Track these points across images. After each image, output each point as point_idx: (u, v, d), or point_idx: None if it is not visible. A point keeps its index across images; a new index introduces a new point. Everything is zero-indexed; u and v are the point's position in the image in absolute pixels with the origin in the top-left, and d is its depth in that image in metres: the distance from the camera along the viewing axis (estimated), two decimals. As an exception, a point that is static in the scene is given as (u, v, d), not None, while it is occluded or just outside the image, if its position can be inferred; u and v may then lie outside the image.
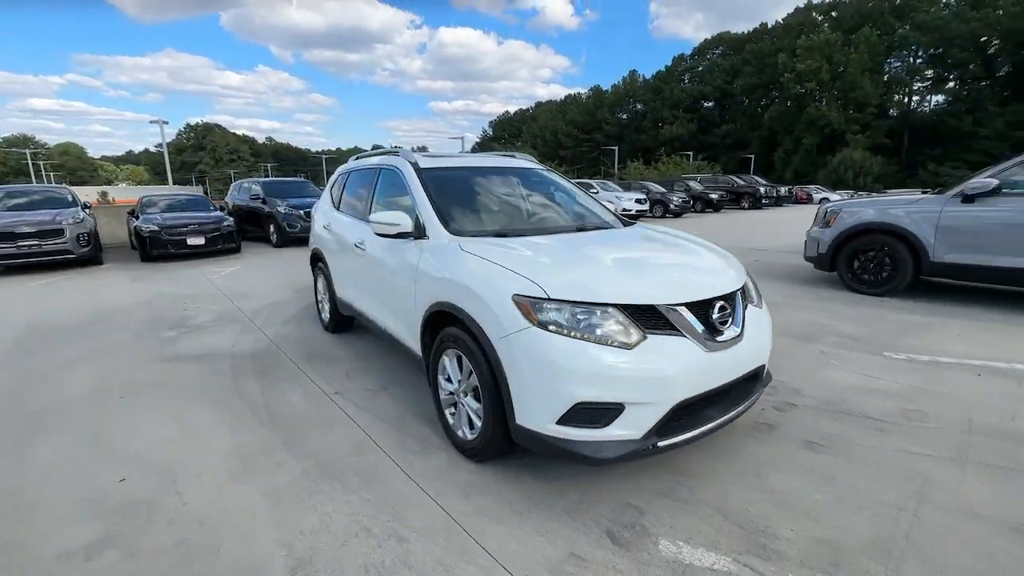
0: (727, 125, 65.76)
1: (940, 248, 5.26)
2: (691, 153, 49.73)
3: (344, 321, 4.54)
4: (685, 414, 2.09)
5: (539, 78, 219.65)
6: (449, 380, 2.59)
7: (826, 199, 31.77)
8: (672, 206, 19.52)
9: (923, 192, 6.52)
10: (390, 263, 3.13)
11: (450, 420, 2.63)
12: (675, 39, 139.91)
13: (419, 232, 2.88)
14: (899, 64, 53.86)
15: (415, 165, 3.32)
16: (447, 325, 2.54)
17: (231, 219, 10.42)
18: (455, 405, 2.60)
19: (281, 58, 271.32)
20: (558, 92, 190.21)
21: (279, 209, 11.14)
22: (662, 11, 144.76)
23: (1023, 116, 44.35)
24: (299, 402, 3.23)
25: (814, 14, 59.56)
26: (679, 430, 2.08)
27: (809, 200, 29.41)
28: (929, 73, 52.27)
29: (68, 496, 2.27)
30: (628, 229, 3.22)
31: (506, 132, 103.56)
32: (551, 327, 2.00)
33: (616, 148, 42.94)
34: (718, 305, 2.20)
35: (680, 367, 2.03)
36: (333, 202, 4.53)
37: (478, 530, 1.99)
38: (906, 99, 54.68)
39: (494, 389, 2.19)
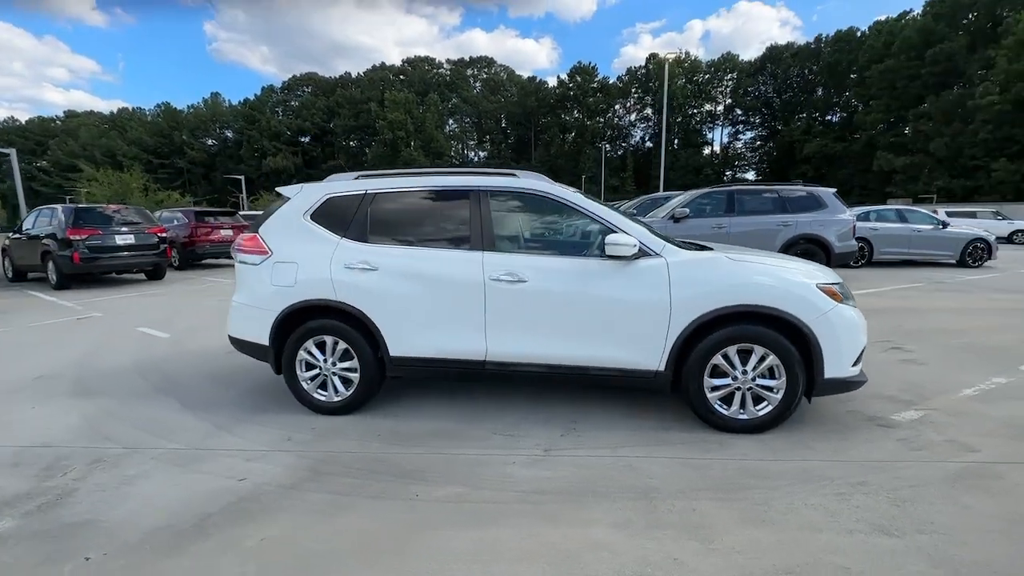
0: (333, 161, 68.82)
1: (668, 250, 8.54)
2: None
3: (375, 388, 3.40)
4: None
5: (51, 79, 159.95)
6: (725, 376, 2.96)
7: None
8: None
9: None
10: (611, 289, 3.00)
11: (724, 412, 2.99)
12: (241, 66, 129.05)
13: (640, 252, 3.00)
14: (456, 126, 70.81)
15: (562, 189, 3.23)
16: (726, 326, 2.91)
17: None
18: (730, 396, 2.99)
19: None
20: (85, 100, 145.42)
21: None
22: (220, 34, 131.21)
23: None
24: (541, 473, 2.60)
25: (390, 75, 70.39)
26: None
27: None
28: (475, 135, 71.09)
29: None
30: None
31: (19, 147, 72.61)
32: (843, 301, 2.92)
33: (243, 178, 37.88)
34: None
35: None
36: (346, 233, 3.31)
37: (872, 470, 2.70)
38: (466, 152, 72.37)
39: (799, 360, 2.87)
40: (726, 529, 2.12)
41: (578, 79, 67.36)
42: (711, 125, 68.47)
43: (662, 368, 3.00)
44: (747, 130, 67.56)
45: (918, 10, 41.12)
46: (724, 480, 2.51)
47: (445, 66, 73.37)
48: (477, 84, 72.90)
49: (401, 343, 3.23)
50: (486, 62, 74.32)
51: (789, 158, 56.49)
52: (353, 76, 73.09)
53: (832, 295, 2.90)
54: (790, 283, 2.90)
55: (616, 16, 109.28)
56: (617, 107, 68.77)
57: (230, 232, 12.93)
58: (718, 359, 2.95)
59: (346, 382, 3.37)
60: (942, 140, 35.23)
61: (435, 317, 3.20)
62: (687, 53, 65.95)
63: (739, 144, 68.18)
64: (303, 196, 3.49)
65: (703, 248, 3.33)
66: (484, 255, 3.15)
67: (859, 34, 50.43)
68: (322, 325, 3.30)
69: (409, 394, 3.75)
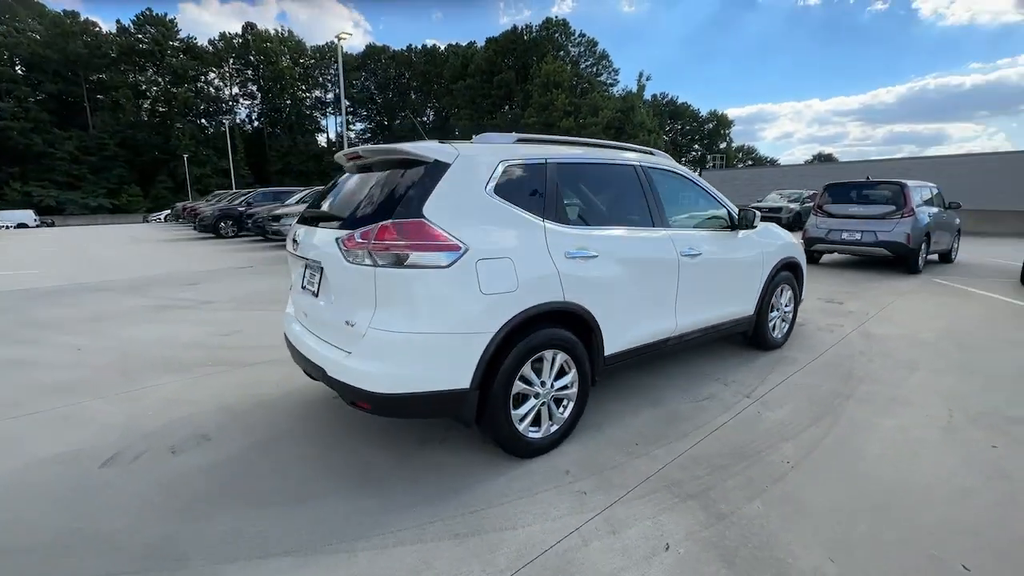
0: None
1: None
2: None
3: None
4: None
5: None
6: (775, 310, 4.12)
7: None
8: None
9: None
10: (737, 254, 3.57)
11: (775, 336, 4.16)
12: None
13: (750, 222, 3.75)
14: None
15: (683, 168, 3.54)
16: (781, 273, 4.05)
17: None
18: (776, 324, 4.17)
19: None
20: None
21: None
22: None
23: (87, 142, 48.94)
24: (786, 408, 3.06)
25: None
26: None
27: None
28: (-34, 79, 45.63)
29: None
30: None
31: None
32: (800, 249, 4.57)
33: None
34: None
35: None
36: (545, 213, 2.52)
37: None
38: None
39: (799, 288, 4.36)
40: (922, 397, 3.28)
41: (150, 31, 53.26)
42: (323, 112, 68.27)
43: (753, 312, 3.88)
44: (357, 121, 71.00)
45: (481, 43, 53.56)
46: (845, 376, 3.66)
47: None
48: (-49, -2, 46.47)
49: (615, 339, 2.81)
50: (-35, -33, 48.09)
51: (400, 151, 63.27)
52: None
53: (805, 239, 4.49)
54: (794, 241, 4.31)
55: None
56: (213, 76, 58.72)
57: None
58: (774, 299, 4.07)
59: (557, 404, 2.64)
60: (509, 146, 47.83)
61: (644, 302, 2.96)
62: (290, 32, 62.74)
63: (352, 134, 70.94)
64: (471, 163, 2.37)
65: None
66: (667, 232, 3.13)
67: (441, 51, 61.04)
68: (549, 337, 2.45)
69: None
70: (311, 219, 2.75)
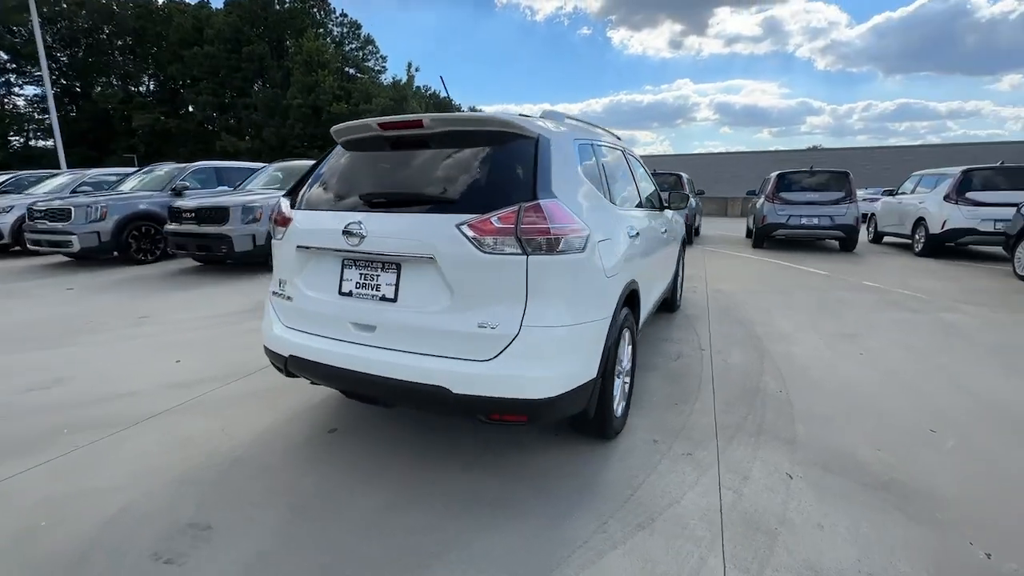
0: None
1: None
2: None
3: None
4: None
5: None
6: (678, 275, 4.94)
7: None
8: None
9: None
10: (672, 231, 4.11)
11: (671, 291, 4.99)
12: None
13: (665, 204, 4.36)
14: None
15: (633, 153, 3.91)
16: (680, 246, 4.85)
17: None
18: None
19: None
20: None
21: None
22: None
23: None
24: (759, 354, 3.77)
25: None
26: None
27: None
28: None
29: None
30: None
31: None
32: (676, 226, 5.53)
33: None
34: None
35: None
36: (609, 195, 2.55)
37: (704, 298, 5.55)
38: None
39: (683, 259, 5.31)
40: (795, 329, 4.38)
41: None
42: (-38, 67, 47.51)
43: (672, 278, 4.59)
44: (27, 84, 51.81)
45: (218, 5, 45.15)
46: (739, 323, 4.64)
47: None
48: None
49: (643, 312, 3.03)
50: None
51: (107, 128, 48.95)
52: None
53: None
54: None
55: None
56: None
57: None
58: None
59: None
60: (271, 130, 42.12)
61: (654, 275, 3.27)
62: None
63: (21, 101, 51.42)
64: (563, 141, 2.23)
65: None
66: (649, 211, 3.45)
67: (160, 6, 49.10)
68: (625, 316, 2.48)
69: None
70: (372, 204, 2.12)
